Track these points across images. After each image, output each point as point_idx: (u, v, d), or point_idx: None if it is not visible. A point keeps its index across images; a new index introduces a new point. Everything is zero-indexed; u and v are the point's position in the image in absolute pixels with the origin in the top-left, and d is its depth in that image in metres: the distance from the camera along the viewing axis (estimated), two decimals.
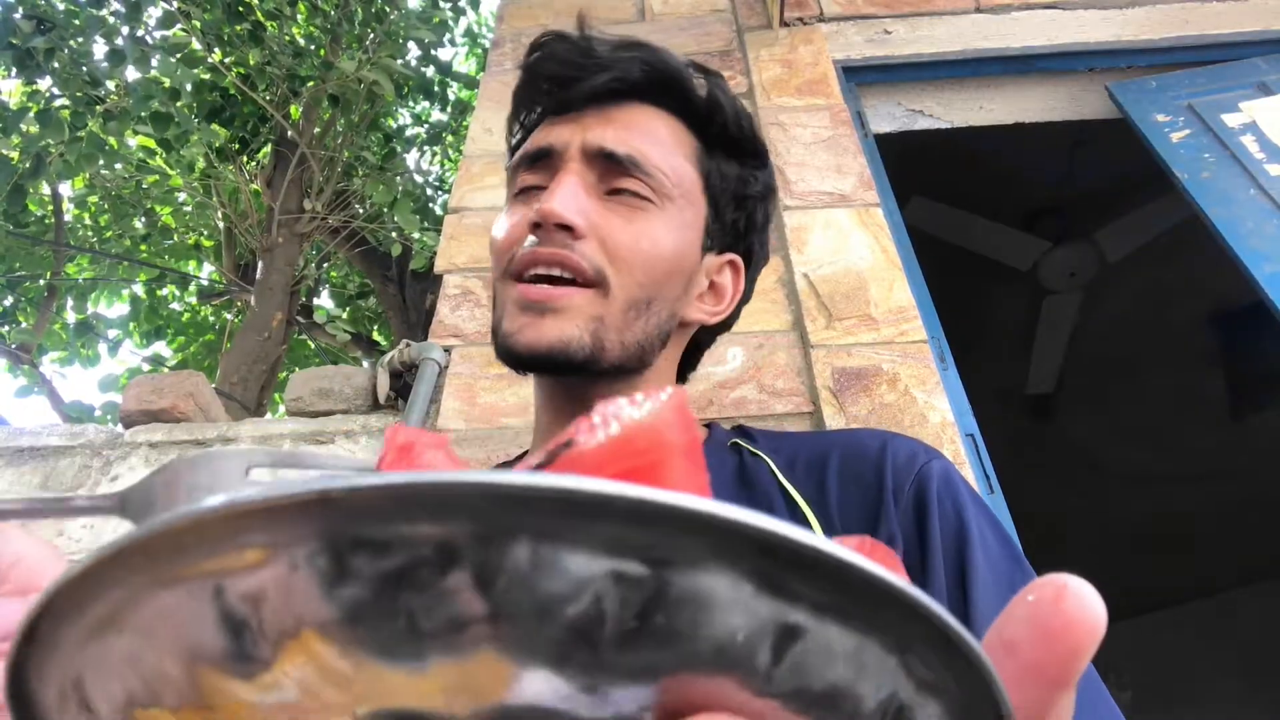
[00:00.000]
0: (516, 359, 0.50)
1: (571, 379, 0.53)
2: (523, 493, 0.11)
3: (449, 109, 4.54)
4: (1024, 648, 0.15)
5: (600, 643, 0.11)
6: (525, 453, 0.62)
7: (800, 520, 0.46)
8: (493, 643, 0.11)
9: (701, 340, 0.61)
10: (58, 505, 0.27)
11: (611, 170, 0.51)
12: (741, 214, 0.57)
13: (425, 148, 4.67)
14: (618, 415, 0.16)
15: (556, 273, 0.49)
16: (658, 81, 0.54)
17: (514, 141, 0.59)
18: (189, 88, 3.27)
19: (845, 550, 0.11)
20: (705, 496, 0.11)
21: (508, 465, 0.62)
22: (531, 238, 0.49)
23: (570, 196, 0.49)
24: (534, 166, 0.54)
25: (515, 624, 0.11)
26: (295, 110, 3.48)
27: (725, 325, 0.61)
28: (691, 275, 0.54)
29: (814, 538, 0.11)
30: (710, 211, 0.54)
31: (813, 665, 0.12)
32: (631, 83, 0.53)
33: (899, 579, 0.12)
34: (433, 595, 0.11)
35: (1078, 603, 0.14)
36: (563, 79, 0.54)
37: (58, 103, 3.11)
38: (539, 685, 0.12)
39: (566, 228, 0.48)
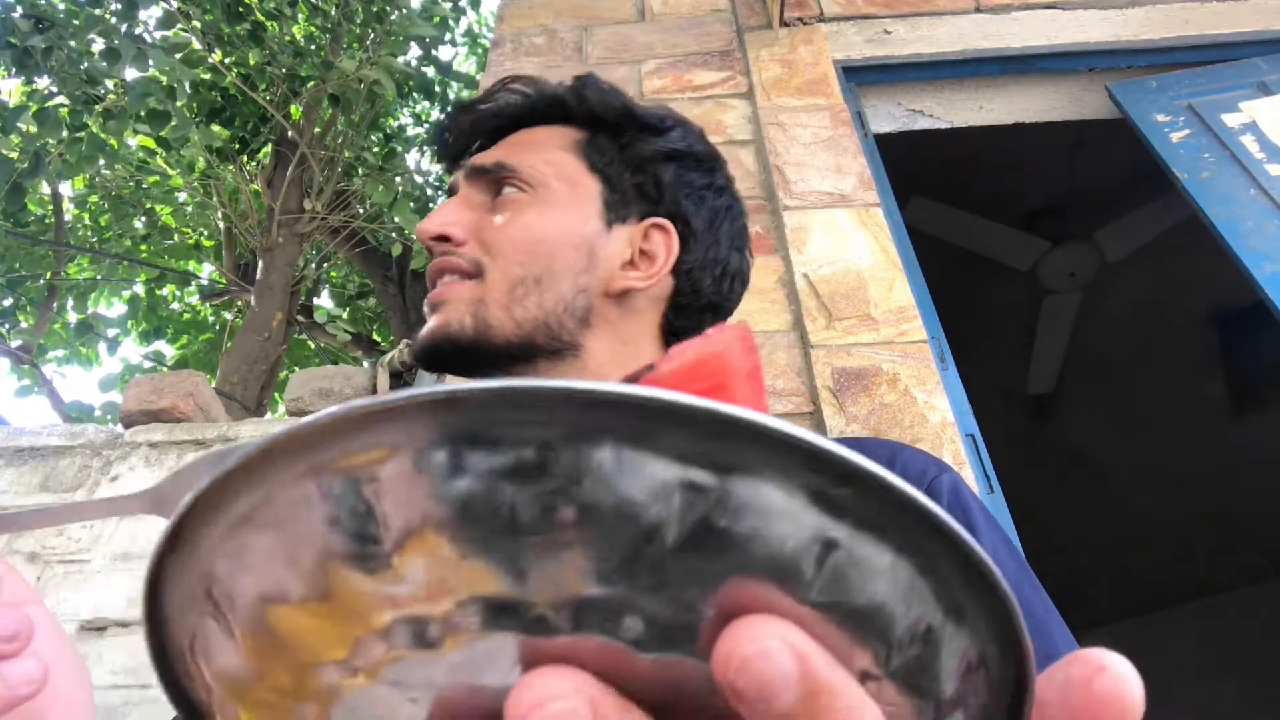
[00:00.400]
0: (417, 358, 0.54)
1: (498, 371, 0.54)
2: (615, 398, 0.13)
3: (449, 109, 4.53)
4: (1051, 713, 0.15)
5: (668, 544, 0.13)
6: None
7: None
8: (577, 536, 0.13)
9: (680, 325, 0.59)
10: (88, 510, 0.27)
11: (491, 182, 0.56)
12: (644, 177, 0.58)
13: (425, 148, 4.67)
14: (693, 346, 0.19)
15: (446, 278, 0.53)
16: (534, 104, 0.59)
17: None
18: (188, 87, 3.27)
19: (888, 472, 0.13)
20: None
21: None
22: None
23: (441, 212, 0.54)
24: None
25: (597, 520, 0.13)
26: (295, 110, 3.49)
27: (704, 303, 0.59)
28: (593, 247, 0.55)
29: (860, 458, 0.13)
30: (604, 186, 0.57)
31: (853, 579, 0.14)
32: (512, 114, 0.59)
33: (932, 504, 0.13)
34: (531, 490, 0.13)
35: (1110, 684, 0.14)
36: (450, 126, 0.61)
37: (56, 101, 3.10)
38: (613, 580, 0.13)
39: (442, 238, 0.53)
